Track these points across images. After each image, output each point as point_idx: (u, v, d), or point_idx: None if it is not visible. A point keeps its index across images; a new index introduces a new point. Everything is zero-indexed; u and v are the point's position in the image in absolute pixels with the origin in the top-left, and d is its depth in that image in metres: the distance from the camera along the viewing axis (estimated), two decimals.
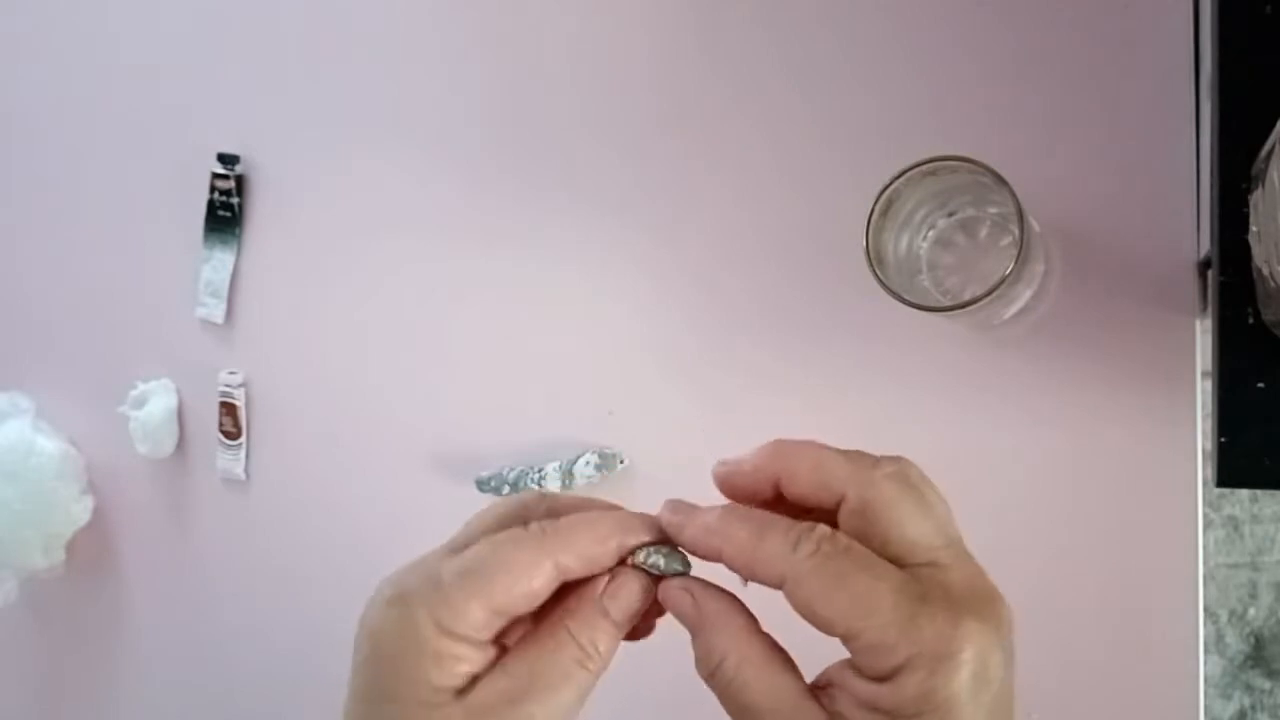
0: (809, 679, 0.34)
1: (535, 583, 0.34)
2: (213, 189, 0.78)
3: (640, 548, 0.35)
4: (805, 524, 0.33)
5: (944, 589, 0.32)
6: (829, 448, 0.35)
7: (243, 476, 0.79)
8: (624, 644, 0.36)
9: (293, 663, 0.77)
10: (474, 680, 0.34)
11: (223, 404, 0.79)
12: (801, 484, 0.34)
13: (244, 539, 0.80)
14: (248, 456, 0.79)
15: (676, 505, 0.36)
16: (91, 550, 0.84)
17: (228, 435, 0.79)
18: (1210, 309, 0.51)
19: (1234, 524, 1.33)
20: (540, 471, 0.68)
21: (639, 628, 0.36)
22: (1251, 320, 0.49)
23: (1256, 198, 0.45)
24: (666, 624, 0.37)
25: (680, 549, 0.35)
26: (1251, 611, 1.32)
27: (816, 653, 0.34)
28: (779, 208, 0.65)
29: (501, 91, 0.71)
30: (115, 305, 0.83)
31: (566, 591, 0.35)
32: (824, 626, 0.32)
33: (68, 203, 0.85)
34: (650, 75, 0.68)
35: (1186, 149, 0.56)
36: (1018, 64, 0.60)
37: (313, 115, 0.76)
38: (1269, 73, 0.49)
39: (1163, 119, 0.57)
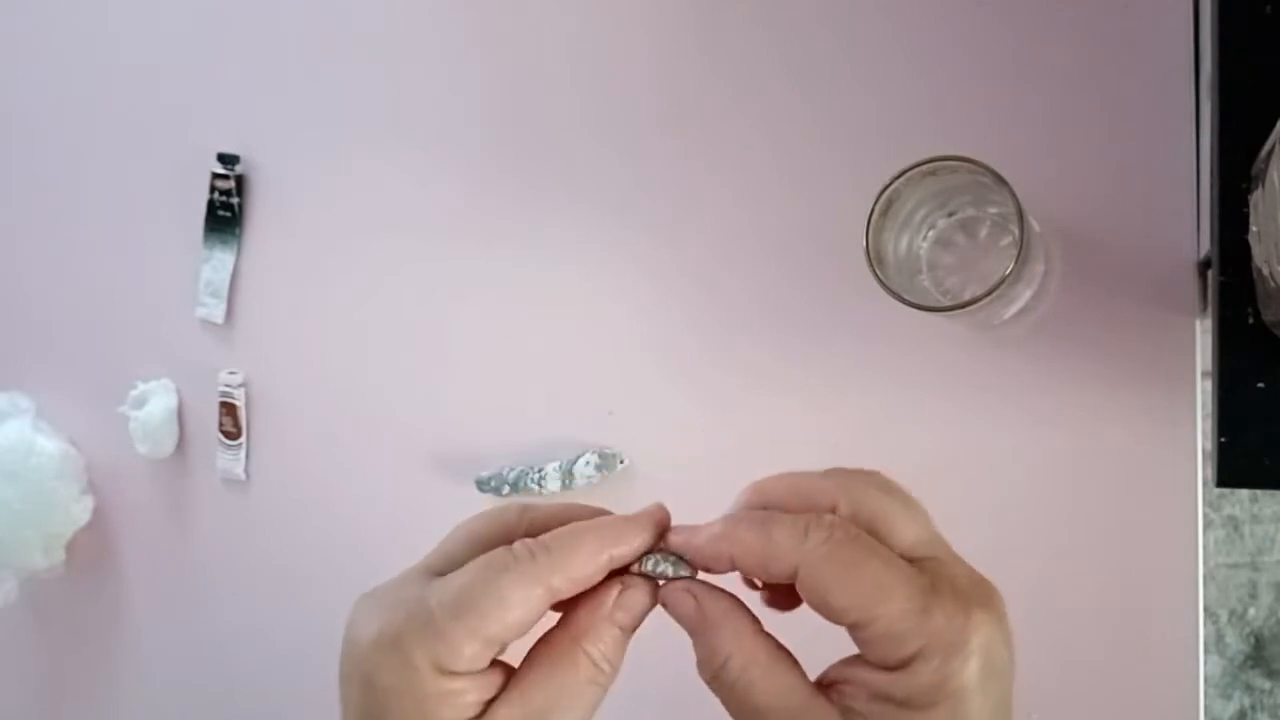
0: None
1: (527, 612, 0.33)
2: (213, 189, 0.78)
3: (646, 556, 0.35)
4: (811, 514, 0.33)
5: (949, 581, 0.32)
6: (802, 471, 0.35)
7: (243, 476, 0.79)
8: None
9: (293, 663, 0.77)
10: (487, 705, 0.34)
11: (223, 404, 0.79)
12: (792, 509, 0.34)
13: (244, 539, 0.80)
14: (248, 456, 0.79)
15: (677, 528, 0.35)
16: (91, 550, 0.84)
17: (228, 435, 0.79)
18: (1210, 309, 0.51)
19: (1234, 524, 1.33)
20: (540, 471, 0.68)
21: None
22: (1251, 320, 0.49)
23: (1256, 198, 0.45)
24: (665, 623, 0.36)
25: (683, 558, 0.35)
26: (1251, 611, 1.32)
27: (816, 654, 0.34)
28: (779, 208, 0.65)
29: (501, 91, 0.71)
30: (115, 305, 0.83)
31: (569, 604, 0.35)
32: (837, 615, 0.32)
33: (68, 203, 0.85)
34: (650, 75, 0.68)
35: (1186, 149, 0.56)
36: (1018, 64, 0.60)
37: (313, 115, 0.76)
38: (1269, 73, 0.49)
39: (1163, 119, 0.57)
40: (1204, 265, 0.55)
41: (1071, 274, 0.58)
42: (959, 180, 0.52)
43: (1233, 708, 1.32)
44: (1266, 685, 1.32)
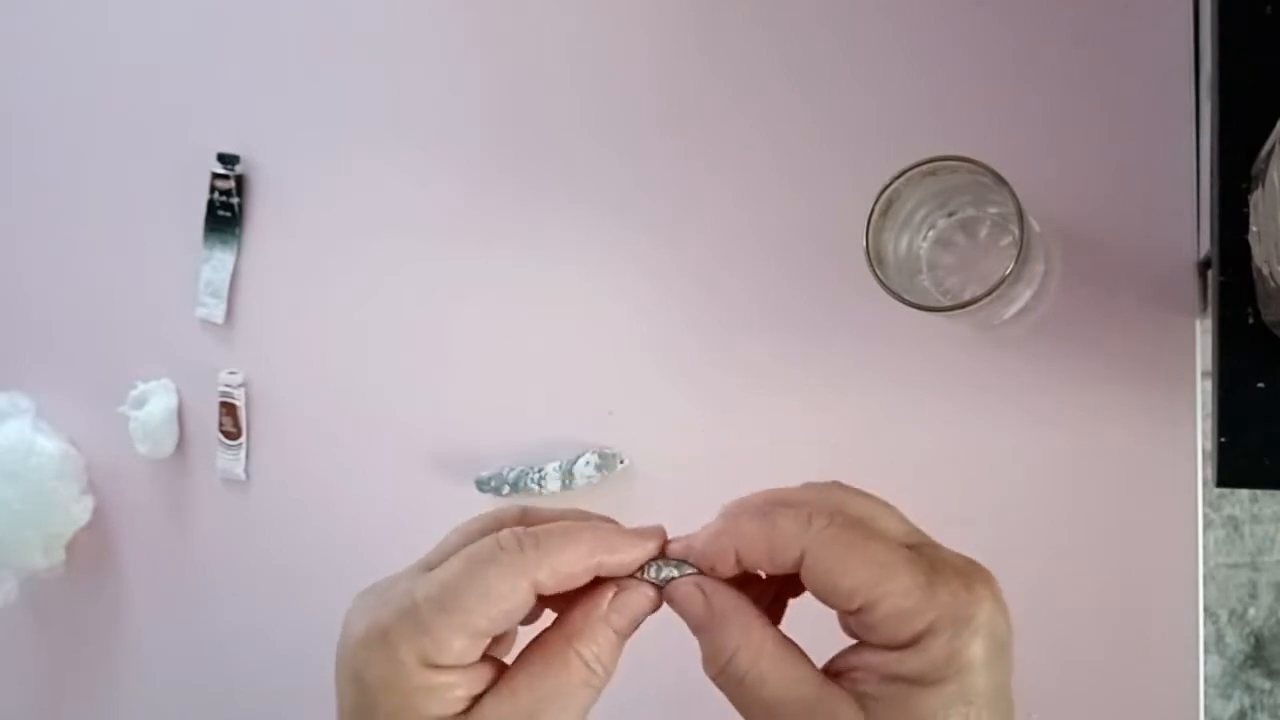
0: None
1: (513, 605, 0.33)
2: (213, 189, 0.78)
3: (651, 562, 0.35)
4: (809, 505, 0.34)
5: (946, 562, 0.33)
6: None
7: (243, 476, 0.79)
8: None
9: (293, 663, 0.77)
10: (476, 699, 0.34)
11: (223, 404, 0.79)
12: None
13: (244, 539, 0.80)
14: (248, 456, 0.79)
15: (676, 538, 0.35)
16: (91, 550, 0.84)
17: (228, 435, 0.79)
18: (1210, 309, 0.51)
19: (1234, 524, 1.33)
20: (540, 471, 0.68)
21: None
22: (1251, 320, 0.49)
23: (1256, 198, 0.45)
24: (665, 624, 0.36)
25: (686, 561, 0.35)
26: (1251, 611, 1.32)
27: (814, 654, 0.34)
28: (779, 208, 0.65)
29: (501, 91, 0.71)
30: (115, 305, 0.83)
31: (565, 599, 0.35)
32: (844, 597, 0.32)
33: (68, 203, 0.85)
34: (650, 75, 0.68)
35: (1186, 149, 0.56)
36: (1018, 64, 0.60)
37: (313, 115, 0.76)
38: (1269, 73, 0.49)
39: (1163, 119, 0.57)
40: (1204, 265, 0.55)
41: (1071, 274, 0.58)
42: (959, 180, 0.52)
43: (1233, 708, 1.32)
44: (1266, 685, 1.32)
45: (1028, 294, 0.56)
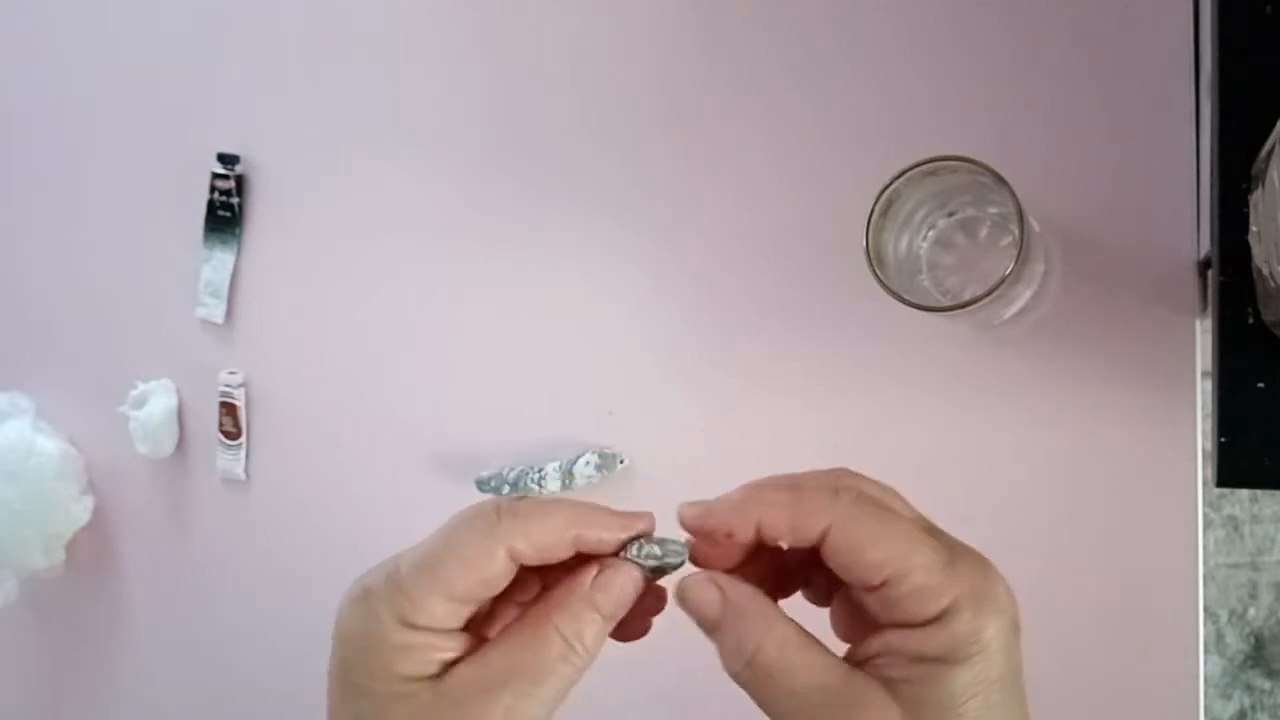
0: None
1: (489, 570, 0.33)
2: (213, 189, 0.78)
3: (633, 541, 0.35)
4: (832, 479, 0.34)
5: (961, 545, 0.33)
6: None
7: (243, 476, 0.79)
8: (625, 644, 0.36)
9: (293, 663, 0.77)
10: (450, 666, 0.34)
11: (223, 404, 0.79)
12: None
13: (244, 539, 0.80)
14: (248, 456, 0.79)
15: (693, 501, 0.35)
16: (91, 550, 0.84)
17: (228, 435, 0.79)
18: (1210, 309, 0.51)
19: (1234, 524, 1.33)
20: (540, 471, 0.68)
21: (634, 627, 0.36)
22: (1251, 320, 0.49)
23: (1256, 198, 0.45)
24: (665, 624, 0.36)
25: (672, 540, 0.35)
26: (1251, 611, 1.32)
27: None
28: (779, 208, 0.65)
29: (501, 91, 0.71)
30: (115, 305, 0.83)
31: (555, 580, 0.35)
32: (870, 572, 0.32)
33: (68, 203, 0.85)
34: (650, 75, 0.68)
35: (1186, 149, 0.56)
36: (1018, 64, 0.60)
37: (313, 115, 0.76)
38: (1269, 73, 0.49)
39: (1163, 119, 0.57)
40: (1204, 265, 0.55)
41: (1071, 274, 0.58)
42: (959, 180, 0.52)
43: (1233, 708, 1.32)
44: (1266, 685, 1.32)
45: (1028, 294, 0.56)
